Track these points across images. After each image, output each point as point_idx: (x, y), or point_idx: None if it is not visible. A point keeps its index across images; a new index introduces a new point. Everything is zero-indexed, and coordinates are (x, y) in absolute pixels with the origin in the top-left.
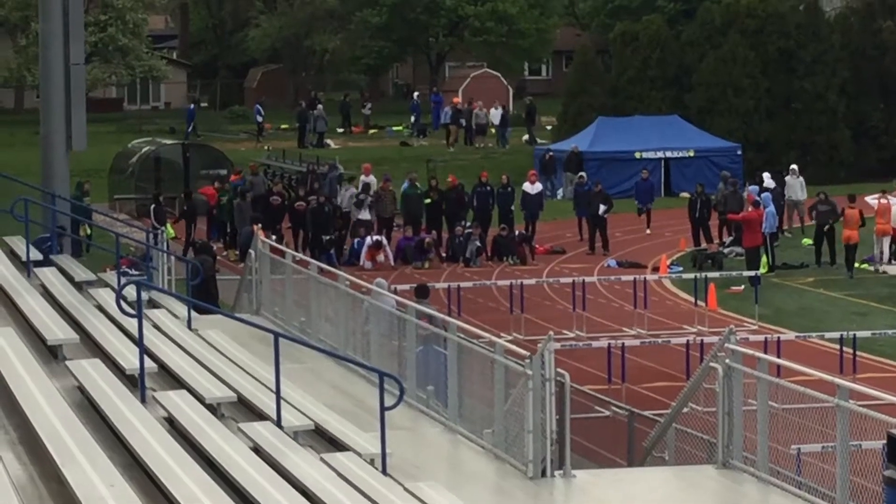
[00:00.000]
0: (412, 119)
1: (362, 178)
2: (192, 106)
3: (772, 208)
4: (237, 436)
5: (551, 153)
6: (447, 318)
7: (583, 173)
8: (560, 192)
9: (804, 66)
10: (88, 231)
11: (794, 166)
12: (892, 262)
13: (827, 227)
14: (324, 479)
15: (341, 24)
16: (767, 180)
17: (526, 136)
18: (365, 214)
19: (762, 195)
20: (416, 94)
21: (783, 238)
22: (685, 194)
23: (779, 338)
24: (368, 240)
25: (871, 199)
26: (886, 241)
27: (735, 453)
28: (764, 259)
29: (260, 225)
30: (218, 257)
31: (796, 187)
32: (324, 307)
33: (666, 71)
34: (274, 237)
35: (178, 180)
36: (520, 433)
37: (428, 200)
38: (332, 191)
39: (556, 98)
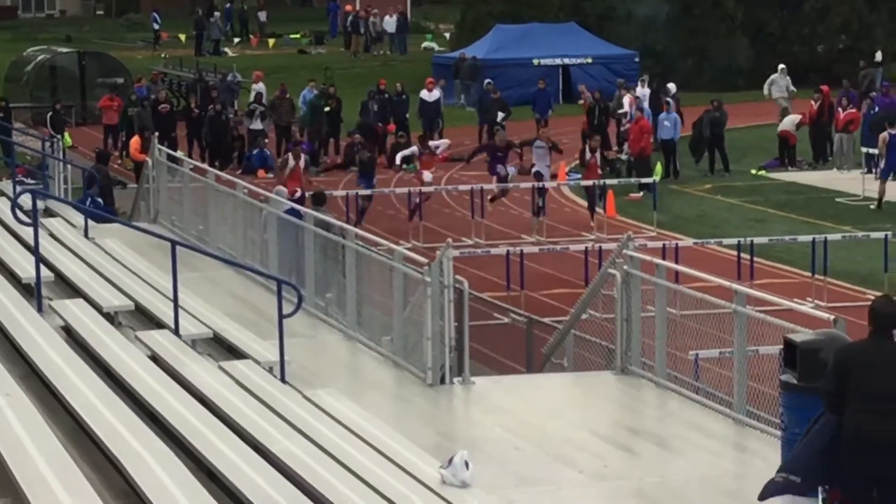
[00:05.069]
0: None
1: (253, 86)
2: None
3: (675, 115)
4: (135, 344)
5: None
6: (345, 225)
7: (489, 80)
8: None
9: None
10: None
11: (782, 66)
12: (790, 168)
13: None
14: (222, 387)
15: None
16: (671, 89)
17: (425, 44)
18: (257, 124)
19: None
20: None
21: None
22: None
23: (677, 244)
24: (415, 149)
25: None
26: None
27: (633, 359)
28: (658, 166)
29: (157, 133)
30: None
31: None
32: (222, 215)
33: None
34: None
35: (74, 89)
36: (419, 340)
37: (327, 108)
38: (228, 100)
39: (454, 6)
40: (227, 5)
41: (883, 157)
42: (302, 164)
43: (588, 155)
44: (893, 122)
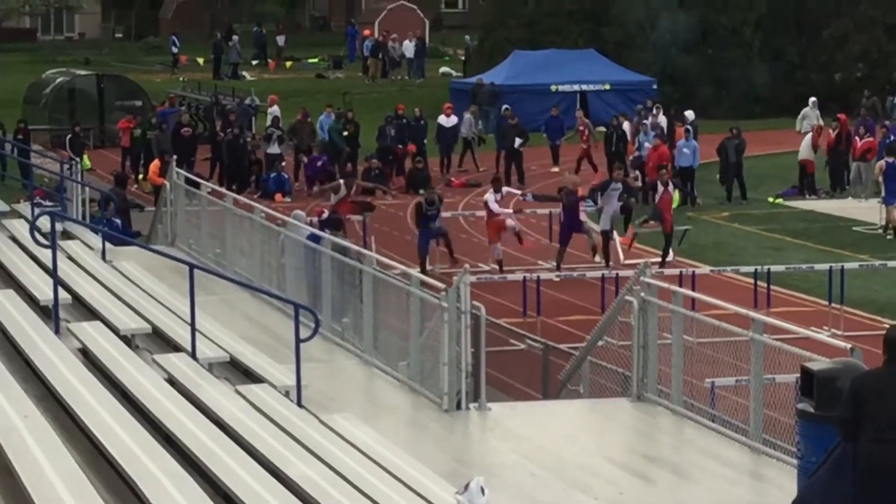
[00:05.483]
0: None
1: (269, 110)
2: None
3: (694, 143)
4: (152, 367)
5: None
6: (362, 249)
7: (507, 106)
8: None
9: (721, 0)
10: None
11: (813, 98)
12: (808, 196)
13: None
14: (238, 411)
15: None
16: (689, 116)
17: (443, 69)
18: (274, 148)
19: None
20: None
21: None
22: (601, 128)
23: (694, 272)
24: (493, 199)
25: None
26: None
27: (649, 386)
28: (677, 194)
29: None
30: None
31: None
32: (239, 239)
33: (583, 4)
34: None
35: (92, 112)
36: (435, 366)
37: (346, 133)
38: (245, 124)
39: (473, 31)
40: (255, 28)
41: (882, 185)
42: (355, 190)
43: (660, 188)
44: (892, 151)
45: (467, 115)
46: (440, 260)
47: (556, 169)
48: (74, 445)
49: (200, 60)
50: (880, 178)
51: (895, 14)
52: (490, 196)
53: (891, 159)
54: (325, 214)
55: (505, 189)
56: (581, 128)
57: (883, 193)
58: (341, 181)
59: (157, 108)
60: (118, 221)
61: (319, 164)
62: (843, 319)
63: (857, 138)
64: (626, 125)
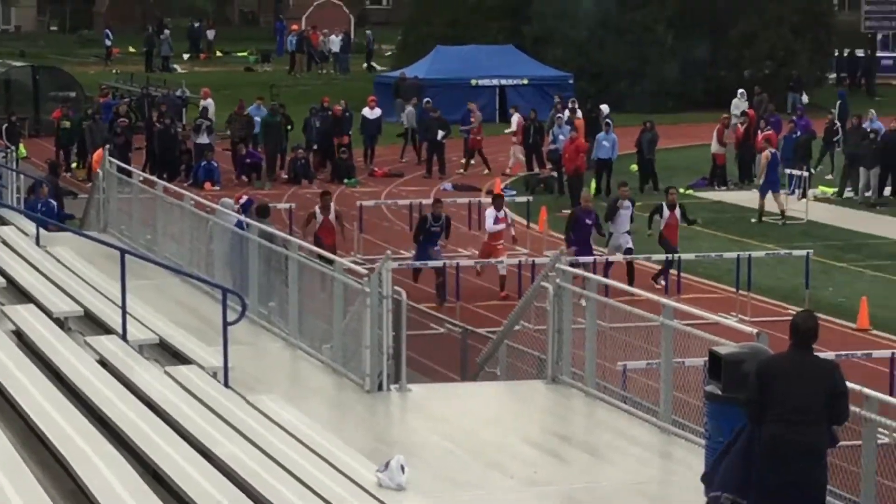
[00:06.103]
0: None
1: (202, 102)
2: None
3: (613, 136)
4: (84, 349)
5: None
6: (289, 237)
7: (429, 99)
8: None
9: None
10: None
11: (741, 90)
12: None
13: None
14: (168, 392)
15: None
16: (605, 110)
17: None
18: (203, 139)
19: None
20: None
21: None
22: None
23: (607, 259)
24: (492, 215)
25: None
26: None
27: (564, 369)
28: (593, 185)
29: (108, 146)
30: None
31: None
32: (169, 226)
33: (504, 1)
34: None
35: (27, 102)
36: (358, 349)
37: (289, 127)
38: (175, 115)
39: (398, 27)
40: (196, 24)
41: (762, 175)
42: (332, 215)
43: (666, 212)
44: (774, 144)
45: (409, 108)
46: (363, 248)
47: (472, 161)
48: (8, 426)
49: (132, 49)
50: (764, 167)
51: (800, 13)
52: (490, 212)
53: (774, 150)
54: (244, 199)
55: (510, 217)
56: (472, 119)
57: (760, 181)
58: (316, 207)
59: (96, 99)
60: (54, 203)
61: (249, 161)
62: (750, 305)
63: (759, 132)
64: (514, 117)
